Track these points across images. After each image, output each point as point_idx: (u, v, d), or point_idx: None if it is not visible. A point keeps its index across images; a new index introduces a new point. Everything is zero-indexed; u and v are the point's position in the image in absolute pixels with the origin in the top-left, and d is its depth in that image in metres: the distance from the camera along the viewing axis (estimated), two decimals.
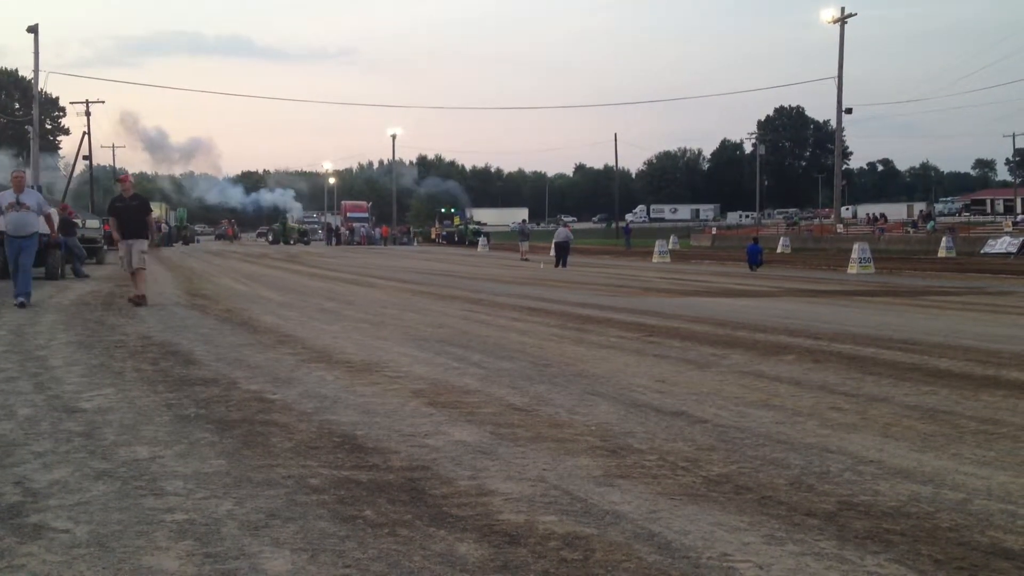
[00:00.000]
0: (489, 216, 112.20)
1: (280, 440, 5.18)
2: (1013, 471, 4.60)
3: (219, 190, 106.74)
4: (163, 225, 70.24)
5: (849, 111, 58.32)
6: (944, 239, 44.25)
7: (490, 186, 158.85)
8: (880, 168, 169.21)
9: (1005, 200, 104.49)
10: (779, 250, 49.50)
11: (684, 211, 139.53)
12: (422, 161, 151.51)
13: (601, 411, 6.03)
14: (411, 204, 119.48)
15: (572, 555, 3.38)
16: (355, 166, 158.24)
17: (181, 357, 8.53)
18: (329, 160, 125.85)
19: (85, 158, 66.34)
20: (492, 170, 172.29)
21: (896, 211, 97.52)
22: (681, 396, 6.60)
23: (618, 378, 7.38)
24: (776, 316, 13.05)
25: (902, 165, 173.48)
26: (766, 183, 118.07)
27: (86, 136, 65.27)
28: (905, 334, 10.57)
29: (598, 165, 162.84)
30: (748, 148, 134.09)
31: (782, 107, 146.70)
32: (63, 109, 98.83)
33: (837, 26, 56.50)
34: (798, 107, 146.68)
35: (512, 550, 3.43)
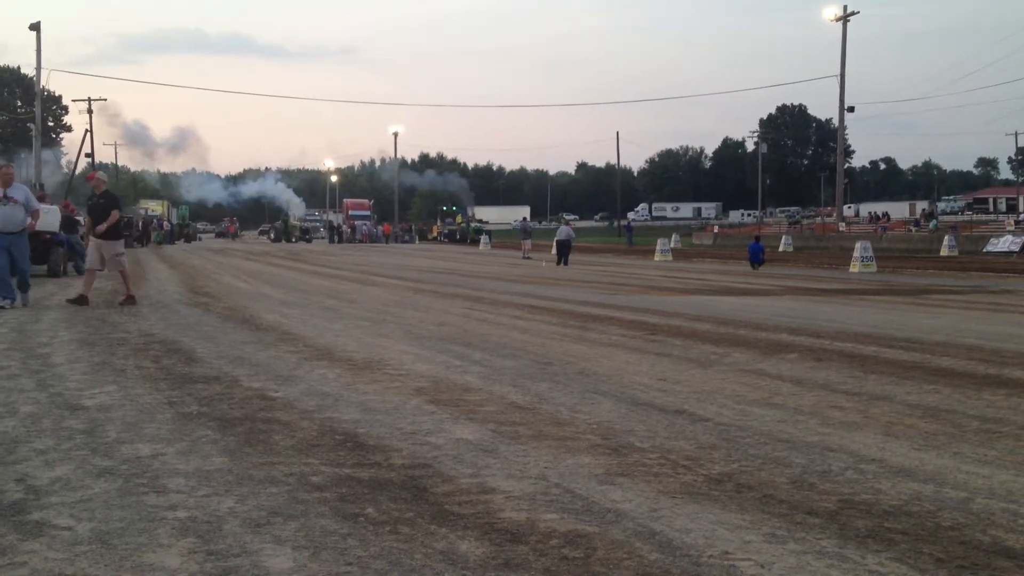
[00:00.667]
0: (491, 214, 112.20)
1: (282, 438, 5.18)
2: (1015, 470, 4.60)
3: (198, 184, 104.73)
4: (165, 223, 70.36)
5: (851, 109, 58.32)
6: (946, 238, 44.21)
7: (492, 184, 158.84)
8: (882, 166, 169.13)
9: (1008, 199, 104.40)
10: (781, 249, 49.48)
11: (686, 209, 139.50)
12: (424, 159, 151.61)
13: (603, 409, 6.03)
14: (413, 202, 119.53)
15: (573, 553, 3.38)
16: (357, 164, 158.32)
17: (183, 355, 8.54)
18: (331, 158, 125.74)
19: (87, 155, 66.41)
20: (494, 168, 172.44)
21: (898, 210, 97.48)
22: (683, 395, 6.60)
23: (620, 376, 7.38)
24: (778, 315, 13.04)
25: (904, 163, 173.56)
26: (768, 181, 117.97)
27: (88, 134, 65.31)
28: (907, 333, 10.56)
29: (600, 163, 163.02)
30: (750, 146, 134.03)
31: (784, 105, 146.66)
32: (65, 107, 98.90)
33: (839, 24, 56.49)
34: (800, 105, 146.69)
35: (513, 548, 3.43)
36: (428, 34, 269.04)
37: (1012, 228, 53.16)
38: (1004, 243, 44.73)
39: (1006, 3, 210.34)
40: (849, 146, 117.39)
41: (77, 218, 26.40)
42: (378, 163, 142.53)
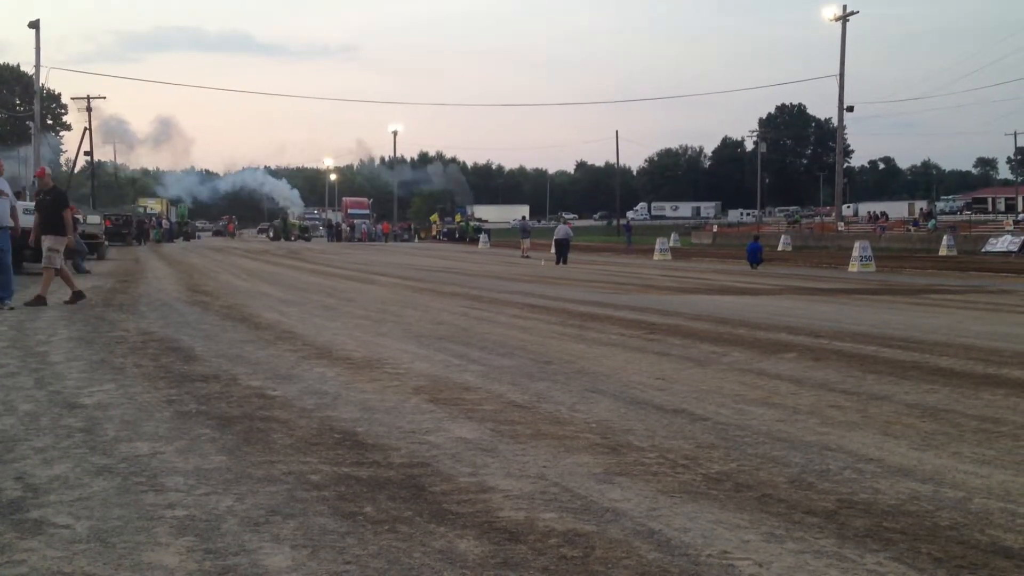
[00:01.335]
0: (490, 213, 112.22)
1: (281, 436, 5.18)
2: (1013, 470, 4.60)
3: (175, 180, 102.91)
4: (164, 221, 70.36)
5: (850, 109, 58.28)
6: (945, 237, 44.19)
7: (491, 183, 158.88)
8: (881, 166, 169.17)
9: (1006, 198, 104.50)
10: (780, 248, 49.48)
11: (685, 209, 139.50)
12: (423, 157, 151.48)
13: (601, 408, 6.03)
14: (412, 201, 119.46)
15: (572, 552, 3.38)
16: (356, 162, 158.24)
17: (182, 353, 8.54)
18: (330, 156, 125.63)
19: (87, 154, 66.37)
20: (493, 167, 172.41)
21: (897, 209, 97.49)
22: (681, 394, 6.60)
23: (618, 375, 7.38)
24: (777, 314, 13.05)
25: (903, 163, 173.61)
26: (767, 181, 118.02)
27: (87, 132, 65.27)
28: (906, 332, 10.57)
29: (599, 162, 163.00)
30: (749, 146, 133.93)
31: (783, 105, 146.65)
32: (64, 105, 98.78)
33: (839, 24, 56.46)
34: (799, 105, 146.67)
35: (512, 547, 3.43)
36: (428, 33, 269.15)
37: (1011, 228, 53.16)
38: (1003, 243, 44.71)
39: (1006, 3, 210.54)
40: (848, 146, 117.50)
41: (76, 216, 26.39)
42: (376, 162, 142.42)
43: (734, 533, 3.60)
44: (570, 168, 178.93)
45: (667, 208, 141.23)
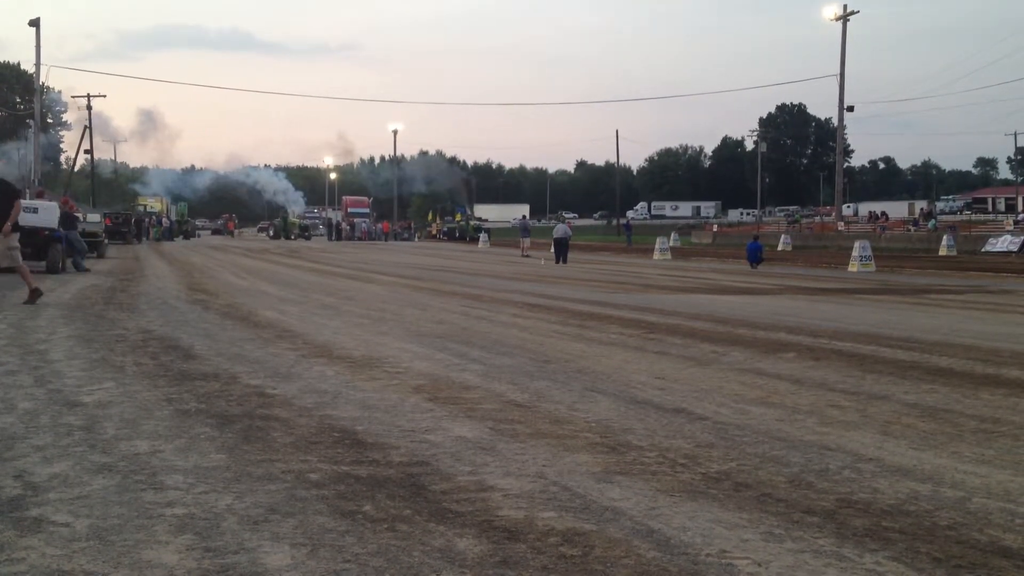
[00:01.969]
0: (490, 212, 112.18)
1: (280, 435, 5.19)
2: (1012, 470, 4.61)
3: (152, 176, 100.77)
4: (164, 220, 70.36)
5: (851, 109, 58.32)
6: (945, 237, 44.20)
7: (491, 182, 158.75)
8: (881, 166, 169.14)
9: (1007, 198, 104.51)
10: (780, 248, 49.47)
11: (685, 208, 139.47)
12: (423, 156, 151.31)
13: (601, 408, 6.03)
14: (412, 200, 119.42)
15: (571, 551, 3.39)
16: (356, 161, 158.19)
17: (182, 352, 8.54)
18: (330, 155, 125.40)
19: (86, 152, 66.35)
20: (493, 166, 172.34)
21: (897, 209, 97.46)
22: (681, 393, 6.60)
23: (618, 375, 7.39)
24: (776, 314, 13.05)
25: (903, 163, 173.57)
26: (767, 180, 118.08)
27: (87, 130, 65.24)
28: (905, 332, 10.57)
29: (599, 161, 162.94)
30: (749, 145, 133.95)
31: (784, 104, 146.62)
32: (64, 103, 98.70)
33: (839, 23, 56.47)
34: (800, 104, 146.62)
35: (511, 546, 3.44)
36: (429, 32, 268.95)
37: (1011, 228, 53.17)
38: (1003, 243, 44.70)
39: (1006, 3, 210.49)
40: (848, 145, 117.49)
41: (76, 214, 26.40)
42: (376, 161, 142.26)
43: (733, 532, 3.61)
44: (570, 167, 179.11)
45: (667, 208, 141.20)
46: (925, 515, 3.86)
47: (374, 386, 6.77)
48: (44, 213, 21.25)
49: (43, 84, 55.42)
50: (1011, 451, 5.00)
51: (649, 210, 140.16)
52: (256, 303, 13.94)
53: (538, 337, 9.86)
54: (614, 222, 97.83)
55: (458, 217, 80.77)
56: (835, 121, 62.90)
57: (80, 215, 30.17)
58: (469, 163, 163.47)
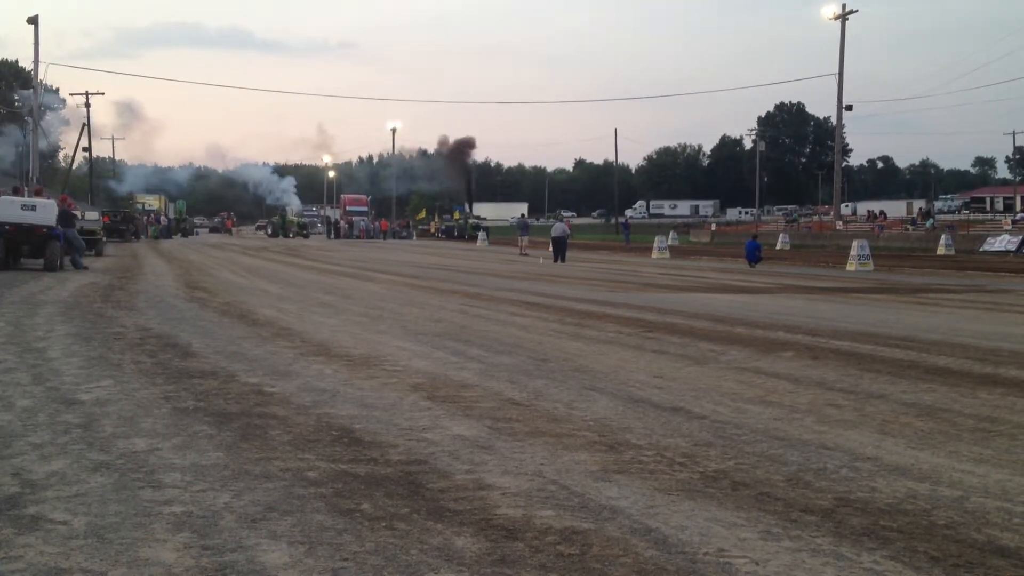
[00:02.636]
0: (488, 211, 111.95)
1: (278, 433, 5.19)
2: (1010, 469, 4.61)
3: (127, 172, 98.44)
4: (162, 217, 70.32)
5: (849, 108, 58.27)
6: (943, 237, 44.18)
7: (489, 180, 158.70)
8: (880, 165, 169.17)
9: (1005, 198, 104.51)
10: (778, 247, 49.44)
11: (684, 207, 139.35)
12: (423, 155, 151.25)
13: (599, 406, 6.04)
14: (411, 199, 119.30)
15: (569, 550, 3.39)
16: (355, 160, 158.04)
17: (180, 350, 8.53)
18: (328, 153, 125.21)
19: (85, 150, 66.24)
20: (491, 164, 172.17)
21: (896, 208, 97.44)
22: (679, 392, 6.60)
23: (616, 373, 7.39)
24: (775, 313, 13.06)
25: (902, 162, 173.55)
26: (766, 179, 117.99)
27: (85, 127, 65.16)
28: (903, 331, 10.58)
29: (598, 160, 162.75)
30: (748, 144, 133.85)
31: (782, 103, 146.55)
32: (63, 100, 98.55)
33: (838, 22, 56.46)
34: (798, 103, 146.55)
35: (509, 544, 3.44)
36: (427, 30, 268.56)
37: (1009, 227, 53.19)
38: (1001, 242, 44.69)
39: (1004, 2, 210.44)
40: (847, 144, 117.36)
41: (74, 212, 26.36)
42: (375, 159, 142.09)
43: (731, 531, 3.61)
44: (569, 166, 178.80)
45: (665, 206, 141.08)
46: (923, 514, 3.87)
47: (372, 384, 6.77)
48: (42, 211, 21.23)
49: (40, 81, 55.28)
50: (1009, 450, 5.00)
51: (648, 209, 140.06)
52: (254, 301, 13.94)
53: (536, 336, 9.87)
54: (613, 221, 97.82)
55: (456, 215, 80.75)
56: (834, 120, 62.87)
57: (78, 213, 30.11)
58: (467, 161, 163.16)
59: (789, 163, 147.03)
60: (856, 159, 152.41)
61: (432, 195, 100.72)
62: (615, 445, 4.99)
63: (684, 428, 5.44)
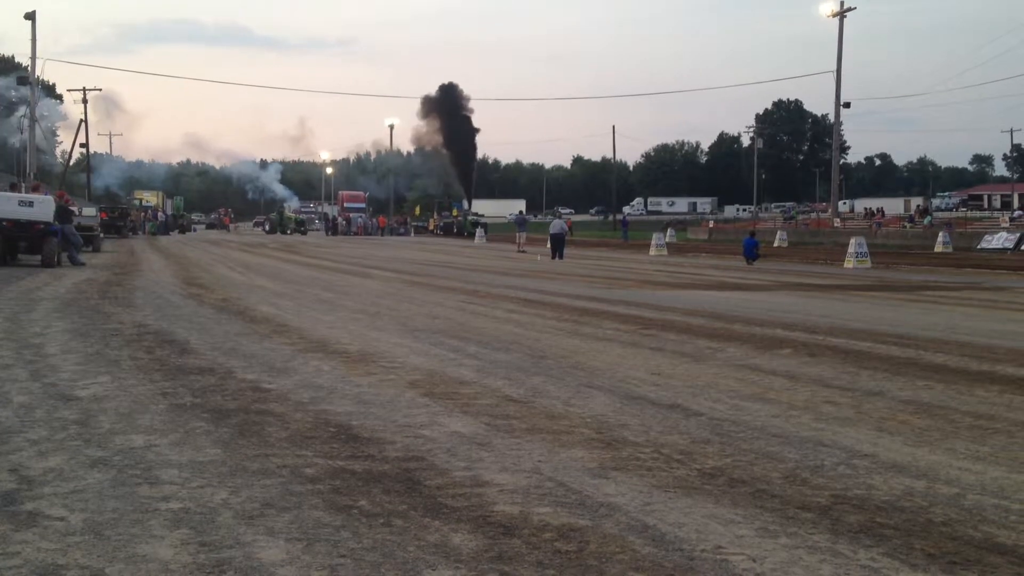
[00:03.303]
0: (486, 207, 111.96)
1: (275, 430, 5.18)
2: (1007, 466, 4.62)
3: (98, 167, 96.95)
4: (160, 214, 70.27)
5: (847, 105, 58.37)
6: (941, 234, 44.21)
7: (487, 177, 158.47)
8: (878, 162, 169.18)
9: (1002, 195, 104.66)
10: (776, 244, 49.46)
11: (681, 204, 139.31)
12: (420, 152, 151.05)
13: (597, 403, 6.04)
14: (409, 195, 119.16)
15: (566, 547, 3.39)
16: (353, 156, 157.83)
17: (177, 346, 8.53)
18: (326, 150, 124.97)
19: (82, 146, 66.17)
20: (489, 161, 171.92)
21: (893, 206, 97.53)
22: (677, 389, 6.61)
23: (614, 370, 7.39)
24: (772, 310, 13.06)
25: (900, 160, 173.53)
26: (763, 177, 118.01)
27: (83, 124, 65.09)
28: (901, 329, 10.58)
29: (596, 157, 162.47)
30: (746, 141, 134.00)
31: (780, 101, 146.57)
32: (60, 97, 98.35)
33: (836, 20, 56.47)
34: (796, 101, 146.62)
35: (506, 541, 3.44)
36: (425, 27, 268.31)
37: (1007, 224, 53.26)
38: (998, 240, 44.73)
39: (1003, 0, 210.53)
40: (844, 142, 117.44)
41: (72, 208, 26.33)
42: (373, 155, 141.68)
43: (728, 528, 3.61)
44: (567, 163, 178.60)
45: (663, 203, 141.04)
46: (920, 511, 3.87)
47: (370, 381, 6.77)
48: (40, 207, 21.20)
49: (38, 77, 55.16)
50: (1006, 448, 5.01)
51: (645, 206, 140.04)
52: (252, 298, 13.93)
53: (534, 333, 9.87)
54: (610, 218, 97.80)
55: (455, 212, 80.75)
56: (831, 117, 62.95)
57: (76, 209, 30.08)
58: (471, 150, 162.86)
59: (787, 160, 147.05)
60: (854, 156, 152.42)
61: (429, 194, 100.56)
62: (612, 442, 4.99)
63: (681, 425, 5.44)
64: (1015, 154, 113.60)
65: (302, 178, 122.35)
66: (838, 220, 64.59)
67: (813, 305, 14.37)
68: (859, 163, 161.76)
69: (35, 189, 25.86)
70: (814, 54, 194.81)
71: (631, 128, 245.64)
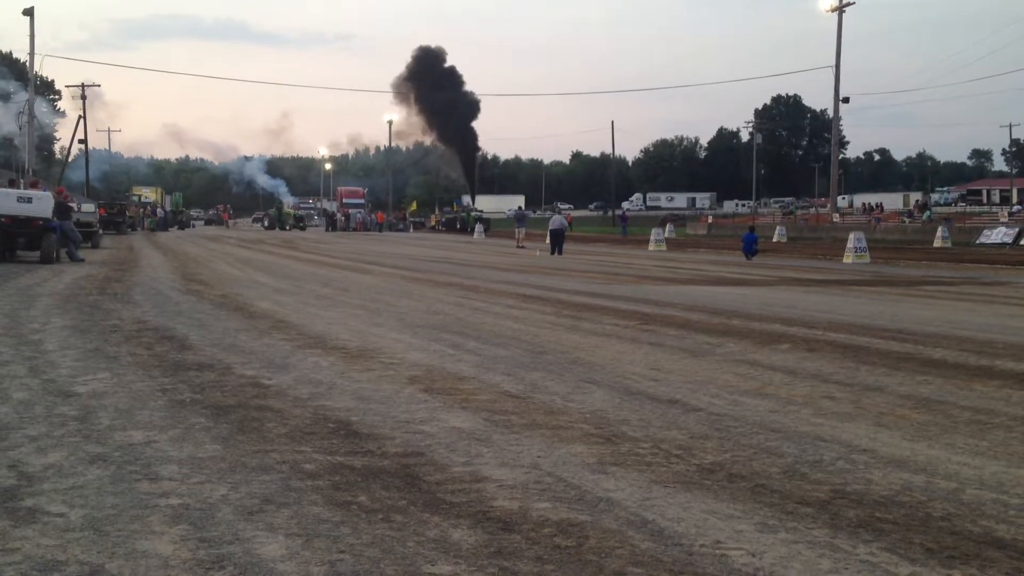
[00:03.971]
0: (486, 203, 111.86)
1: (275, 426, 5.19)
2: (1005, 461, 4.62)
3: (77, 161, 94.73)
4: (159, 210, 70.23)
5: (846, 100, 58.34)
6: (940, 229, 44.22)
7: (486, 173, 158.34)
8: (877, 157, 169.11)
9: (1001, 190, 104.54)
10: (775, 239, 49.46)
11: (681, 199, 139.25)
12: (419, 147, 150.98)
13: (596, 399, 6.04)
14: (408, 191, 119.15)
15: (566, 542, 3.39)
16: (352, 152, 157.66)
17: (176, 342, 8.53)
18: (325, 146, 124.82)
19: (80, 141, 66.11)
20: (489, 157, 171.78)
21: (892, 201, 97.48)
22: (676, 384, 6.61)
23: (613, 366, 7.39)
24: (771, 305, 13.07)
25: (899, 155, 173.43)
26: (763, 172, 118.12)
27: (81, 120, 65.02)
28: (899, 324, 10.59)
29: (595, 152, 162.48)
30: (745, 137, 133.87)
31: (779, 96, 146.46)
32: (59, 92, 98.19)
33: (835, 15, 56.40)
34: (795, 96, 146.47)
35: (506, 536, 3.44)
36: (425, 23, 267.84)
37: (1005, 219, 53.22)
38: (997, 235, 44.75)
39: None
40: (843, 137, 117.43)
41: (71, 204, 26.32)
42: (372, 152, 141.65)
43: (727, 523, 3.62)
44: (566, 158, 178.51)
45: (662, 199, 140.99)
46: (919, 506, 3.88)
47: (369, 377, 6.77)
48: (38, 203, 21.19)
49: (36, 73, 55.09)
50: (1004, 442, 5.01)
51: (644, 201, 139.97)
52: (251, 294, 13.93)
53: (533, 328, 9.87)
54: (610, 213, 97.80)
55: (455, 208, 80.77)
56: (830, 112, 62.91)
57: (74, 205, 30.07)
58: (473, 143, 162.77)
59: (786, 155, 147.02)
60: (853, 151, 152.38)
61: (428, 189, 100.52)
62: (612, 437, 4.99)
63: (680, 420, 5.44)
64: (1014, 149, 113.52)
65: (299, 174, 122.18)
66: (837, 215, 64.56)
67: (812, 300, 14.37)
68: (858, 158, 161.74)
69: (34, 185, 25.85)
70: (813, 49, 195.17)
71: (630, 123, 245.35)
